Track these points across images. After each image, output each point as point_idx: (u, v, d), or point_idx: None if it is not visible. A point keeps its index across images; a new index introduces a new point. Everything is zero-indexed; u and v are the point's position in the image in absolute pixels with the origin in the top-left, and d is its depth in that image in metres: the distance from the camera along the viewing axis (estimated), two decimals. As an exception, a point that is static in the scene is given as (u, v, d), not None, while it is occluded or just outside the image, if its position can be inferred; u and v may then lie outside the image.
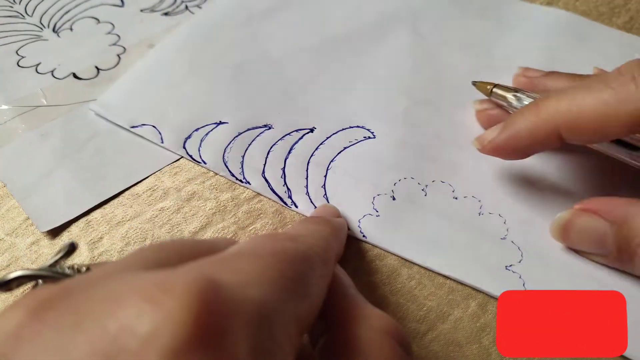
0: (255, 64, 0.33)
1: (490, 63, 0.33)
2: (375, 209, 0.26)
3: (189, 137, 0.29)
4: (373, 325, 0.16)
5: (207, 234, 0.26)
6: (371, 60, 0.33)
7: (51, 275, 0.15)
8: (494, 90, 0.28)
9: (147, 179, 0.28)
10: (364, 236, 0.26)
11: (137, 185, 0.28)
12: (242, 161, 0.28)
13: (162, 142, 0.29)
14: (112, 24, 0.36)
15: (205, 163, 0.28)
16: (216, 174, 0.28)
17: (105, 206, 0.27)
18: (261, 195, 0.27)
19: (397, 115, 0.30)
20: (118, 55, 0.34)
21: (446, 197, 0.27)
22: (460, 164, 0.28)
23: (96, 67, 0.33)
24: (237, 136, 0.29)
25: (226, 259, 0.14)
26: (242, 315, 0.11)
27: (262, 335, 0.11)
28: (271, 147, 0.29)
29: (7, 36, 0.35)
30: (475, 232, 0.26)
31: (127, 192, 0.28)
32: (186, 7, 0.37)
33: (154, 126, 0.30)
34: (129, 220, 0.27)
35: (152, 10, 0.37)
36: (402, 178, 0.28)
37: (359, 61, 0.33)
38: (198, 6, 0.37)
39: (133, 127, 0.30)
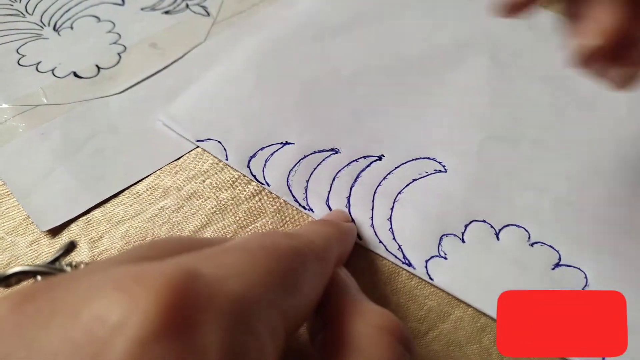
0: (325, 82, 0.32)
1: (574, 97, 0.31)
2: (443, 251, 0.25)
3: (254, 155, 0.28)
4: (370, 321, 0.16)
5: (207, 233, 0.26)
6: (445, 87, 0.31)
7: (49, 271, 0.15)
8: None
9: (147, 178, 0.28)
10: (430, 278, 0.24)
11: (138, 184, 0.28)
12: (307, 186, 0.27)
13: (227, 159, 0.28)
14: (112, 23, 0.36)
15: (269, 185, 0.27)
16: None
17: (105, 205, 0.27)
18: (262, 194, 0.27)
19: (470, 149, 0.28)
20: (118, 54, 0.34)
21: (521, 244, 0.25)
22: (538, 207, 0.26)
23: (97, 66, 0.33)
24: (302, 159, 0.28)
25: (213, 253, 0.14)
26: (217, 308, 0.11)
27: (237, 329, 0.11)
28: (337, 173, 0.28)
29: (7, 35, 0.35)
30: (552, 285, 0.24)
31: (127, 191, 0.28)
32: (187, 6, 0.37)
33: (219, 142, 0.29)
34: (129, 219, 0.27)
35: (153, 8, 0.37)
36: (473, 220, 0.26)
37: (433, 87, 0.31)
38: (199, 5, 0.37)
39: (199, 140, 0.29)
